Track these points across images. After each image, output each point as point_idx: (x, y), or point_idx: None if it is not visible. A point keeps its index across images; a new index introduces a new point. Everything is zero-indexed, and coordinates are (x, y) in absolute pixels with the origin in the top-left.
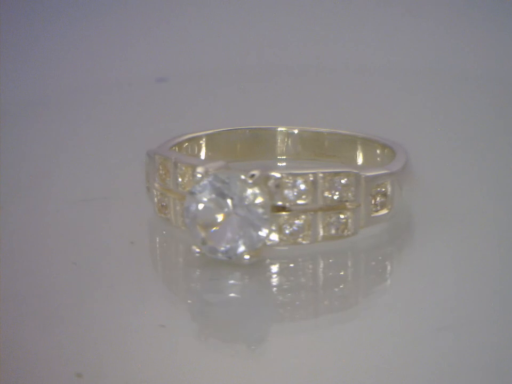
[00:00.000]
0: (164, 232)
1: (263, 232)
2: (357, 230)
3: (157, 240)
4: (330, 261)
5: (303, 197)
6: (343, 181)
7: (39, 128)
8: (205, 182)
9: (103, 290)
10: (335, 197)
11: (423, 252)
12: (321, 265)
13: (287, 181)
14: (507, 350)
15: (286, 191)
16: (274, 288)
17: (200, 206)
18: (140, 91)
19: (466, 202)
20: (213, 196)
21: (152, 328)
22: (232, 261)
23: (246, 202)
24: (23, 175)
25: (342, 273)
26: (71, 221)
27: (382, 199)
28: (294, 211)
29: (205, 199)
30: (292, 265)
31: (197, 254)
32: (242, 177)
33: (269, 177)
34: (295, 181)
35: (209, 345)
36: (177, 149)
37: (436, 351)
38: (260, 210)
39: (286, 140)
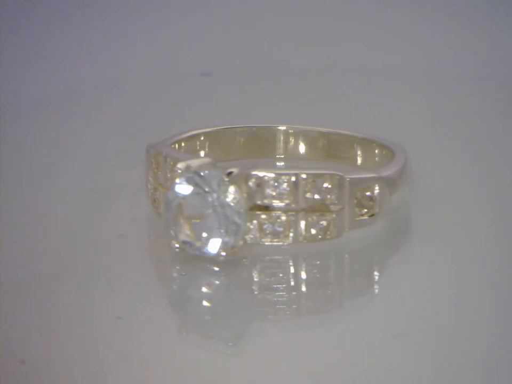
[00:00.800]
0: (156, 227)
1: (239, 231)
2: (340, 233)
3: (146, 234)
4: (316, 262)
5: (285, 197)
6: (326, 183)
7: (41, 127)
8: (185, 177)
9: (74, 281)
10: (318, 199)
11: (418, 254)
12: (305, 265)
13: (269, 180)
14: (506, 350)
15: (267, 191)
16: (253, 286)
17: (179, 201)
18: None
19: (465, 203)
20: (192, 192)
21: (124, 321)
22: (209, 257)
23: (223, 200)
24: (30, 166)
25: (327, 274)
26: (70, 210)
27: (369, 203)
28: (276, 211)
29: (184, 195)
30: (274, 264)
31: (177, 250)
32: (220, 175)
33: (250, 176)
34: (277, 181)
35: (190, 341)
36: (177, 145)
37: (417, 353)
38: (236, 209)
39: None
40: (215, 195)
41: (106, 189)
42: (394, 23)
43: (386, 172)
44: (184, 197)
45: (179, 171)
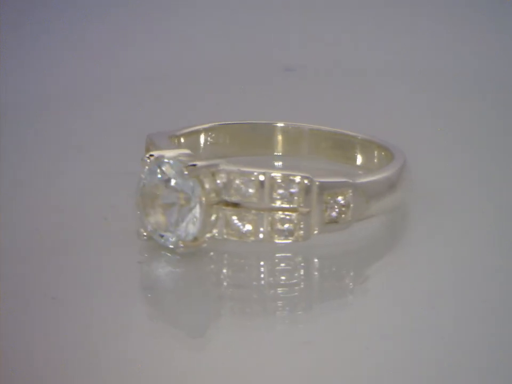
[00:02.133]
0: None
1: (197, 224)
2: (308, 236)
3: (128, 220)
4: (288, 261)
5: (252, 195)
6: (294, 185)
7: (41, 127)
8: (152, 166)
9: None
10: (284, 199)
11: (415, 255)
12: (271, 264)
13: (236, 177)
14: (505, 349)
15: (235, 187)
16: (218, 281)
17: (145, 190)
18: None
19: (465, 203)
20: (157, 181)
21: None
22: (170, 248)
23: (183, 192)
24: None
25: (298, 274)
26: (72, 192)
27: (340, 209)
28: (243, 208)
29: (150, 183)
30: (242, 261)
31: (144, 237)
32: (182, 167)
33: (218, 172)
34: (244, 178)
35: (151, 332)
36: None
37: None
38: (193, 202)
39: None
40: (175, 186)
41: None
42: (396, 23)
43: (362, 179)
44: (150, 185)
45: (148, 160)
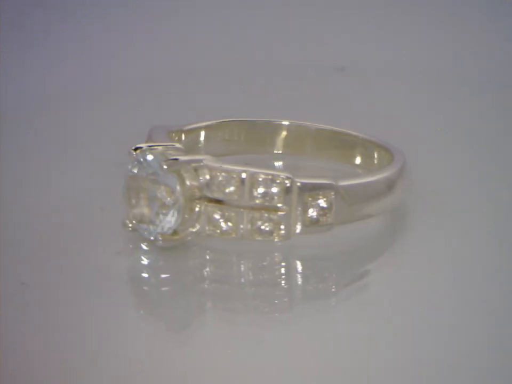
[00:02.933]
0: None
1: (173, 219)
2: (288, 236)
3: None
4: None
5: (233, 192)
6: (274, 184)
7: (42, 126)
8: (139, 159)
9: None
10: (265, 198)
11: (413, 254)
12: (251, 263)
13: (219, 174)
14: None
15: (217, 184)
16: (199, 276)
17: (131, 182)
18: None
19: (464, 203)
20: (141, 174)
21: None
22: (152, 240)
23: (162, 187)
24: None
25: (280, 273)
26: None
27: (321, 211)
28: (224, 204)
29: (136, 176)
30: (224, 257)
31: (129, 228)
32: (162, 161)
33: (202, 168)
34: (226, 176)
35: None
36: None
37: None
38: (173, 197)
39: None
40: (157, 180)
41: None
42: (397, 23)
43: (346, 182)
44: (135, 177)
45: (133, 152)
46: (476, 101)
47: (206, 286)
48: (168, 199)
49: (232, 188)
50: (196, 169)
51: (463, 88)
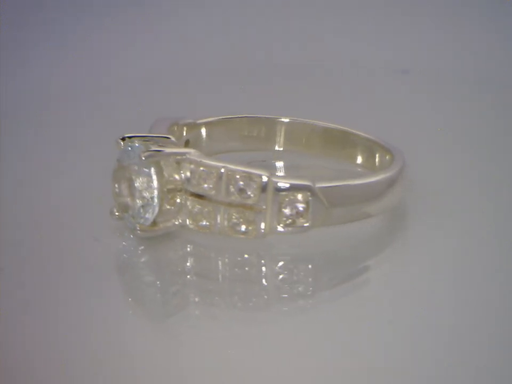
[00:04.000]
0: None
1: (151, 210)
2: (262, 234)
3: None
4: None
5: (211, 187)
6: (251, 182)
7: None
8: (126, 149)
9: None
10: (241, 195)
11: (411, 254)
12: (227, 259)
13: (199, 168)
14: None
15: (197, 178)
16: (179, 268)
17: (117, 171)
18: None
19: (464, 203)
20: (124, 164)
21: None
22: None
23: (141, 178)
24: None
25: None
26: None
27: (297, 211)
28: (203, 199)
29: (120, 166)
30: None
31: (116, 217)
32: (141, 152)
33: (184, 161)
34: (206, 170)
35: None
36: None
37: None
38: (147, 189)
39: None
40: (137, 170)
41: None
42: (399, 23)
43: (324, 184)
44: (121, 167)
45: (121, 142)
46: (476, 101)
47: (184, 279)
48: (146, 190)
49: (210, 183)
50: (178, 163)
51: (463, 88)
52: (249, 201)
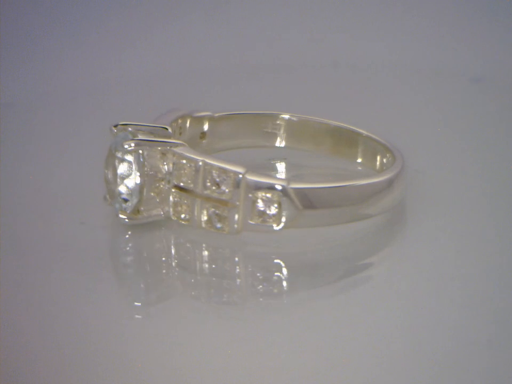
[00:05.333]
0: None
1: (132, 198)
2: (235, 230)
3: None
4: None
5: (189, 181)
6: (226, 177)
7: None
8: (116, 137)
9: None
10: (216, 190)
11: (409, 253)
12: (206, 253)
13: (180, 160)
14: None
15: (178, 170)
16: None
17: (109, 159)
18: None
19: (463, 202)
20: (113, 153)
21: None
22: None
23: (125, 165)
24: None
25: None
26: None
27: (269, 210)
28: (184, 191)
29: (110, 154)
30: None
31: (109, 203)
32: (123, 140)
33: (168, 152)
34: (185, 163)
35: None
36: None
37: None
38: (128, 178)
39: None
40: (118, 158)
41: None
42: (401, 21)
43: (298, 185)
44: (110, 154)
45: (114, 129)
46: (476, 101)
47: (165, 270)
48: (127, 177)
49: (189, 176)
50: (163, 154)
51: (464, 88)
52: (224, 197)
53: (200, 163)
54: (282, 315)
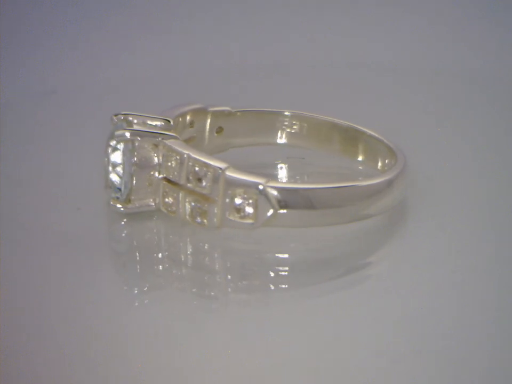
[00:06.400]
0: None
1: (122, 186)
2: (214, 225)
3: None
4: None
5: (175, 173)
6: (206, 171)
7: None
8: (117, 127)
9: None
10: (197, 184)
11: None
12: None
13: (168, 153)
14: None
15: (166, 162)
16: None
17: (105, 148)
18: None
19: (463, 202)
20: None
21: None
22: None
23: (114, 155)
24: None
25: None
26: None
27: (246, 208)
28: (170, 184)
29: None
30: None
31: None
32: (115, 130)
33: (160, 144)
34: (171, 155)
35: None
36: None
37: None
38: (119, 167)
39: (289, 124)
40: (111, 146)
41: None
42: (402, 21)
43: (275, 184)
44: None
45: (115, 119)
46: (476, 100)
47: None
48: (119, 166)
49: (175, 169)
50: (156, 145)
51: (464, 88)
52: (205, 191)
53: (185, 156)
54: (282, 311)
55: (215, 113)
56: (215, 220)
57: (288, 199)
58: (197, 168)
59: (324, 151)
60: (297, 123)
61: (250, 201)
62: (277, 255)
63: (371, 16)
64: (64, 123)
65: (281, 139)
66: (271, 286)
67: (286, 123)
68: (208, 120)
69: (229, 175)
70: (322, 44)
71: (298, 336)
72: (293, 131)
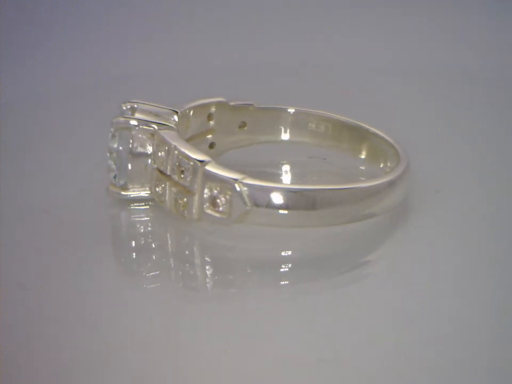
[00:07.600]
0: None
1: (118, 172)
2: (192, 217)
3: None
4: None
5: (164, 163)
6: (187, 164)
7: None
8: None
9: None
10: (180, 175)
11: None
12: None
13: (160, 143)
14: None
15: (157, 152)
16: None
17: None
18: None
19: (463, 202)
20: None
21: None
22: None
23: (111, 142)
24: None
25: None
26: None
27: (223, 203)
28: (160, 173)
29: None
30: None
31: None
32: (113, 119)
33: (155, 134)
34: (161, 146)
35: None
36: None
37: None
38: (115, 153)
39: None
40: (111, 132)
41: None
42: (403, 21)
43: (250, 182)
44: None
45: (123, 107)
46: (476, 100)
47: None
48: (115, 153)
49: (164, 159)
50: (152, 134)
51: (464, 87)
52: (186, 184)
53: (172, 147)
54: (282, 308)
55: (236, 107)
56: (194, 211)
57: (258, 197)
58: (181, 160)
59: (339, 151)
60: (322, 123)
61: (227, 197)
62: (278, 252)
63: (371, 16)
64: (64, 123)
65: (304, 137)
66: (272, 283)
67: (311, 123)
68: (230, 114)
69: (207, 170)
70: (322, 44)
71: (298, 334)
72: (319, 130)
